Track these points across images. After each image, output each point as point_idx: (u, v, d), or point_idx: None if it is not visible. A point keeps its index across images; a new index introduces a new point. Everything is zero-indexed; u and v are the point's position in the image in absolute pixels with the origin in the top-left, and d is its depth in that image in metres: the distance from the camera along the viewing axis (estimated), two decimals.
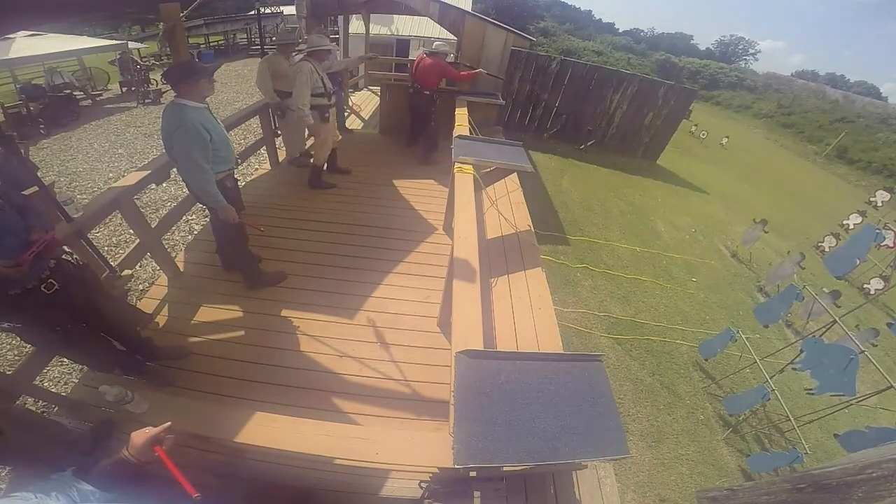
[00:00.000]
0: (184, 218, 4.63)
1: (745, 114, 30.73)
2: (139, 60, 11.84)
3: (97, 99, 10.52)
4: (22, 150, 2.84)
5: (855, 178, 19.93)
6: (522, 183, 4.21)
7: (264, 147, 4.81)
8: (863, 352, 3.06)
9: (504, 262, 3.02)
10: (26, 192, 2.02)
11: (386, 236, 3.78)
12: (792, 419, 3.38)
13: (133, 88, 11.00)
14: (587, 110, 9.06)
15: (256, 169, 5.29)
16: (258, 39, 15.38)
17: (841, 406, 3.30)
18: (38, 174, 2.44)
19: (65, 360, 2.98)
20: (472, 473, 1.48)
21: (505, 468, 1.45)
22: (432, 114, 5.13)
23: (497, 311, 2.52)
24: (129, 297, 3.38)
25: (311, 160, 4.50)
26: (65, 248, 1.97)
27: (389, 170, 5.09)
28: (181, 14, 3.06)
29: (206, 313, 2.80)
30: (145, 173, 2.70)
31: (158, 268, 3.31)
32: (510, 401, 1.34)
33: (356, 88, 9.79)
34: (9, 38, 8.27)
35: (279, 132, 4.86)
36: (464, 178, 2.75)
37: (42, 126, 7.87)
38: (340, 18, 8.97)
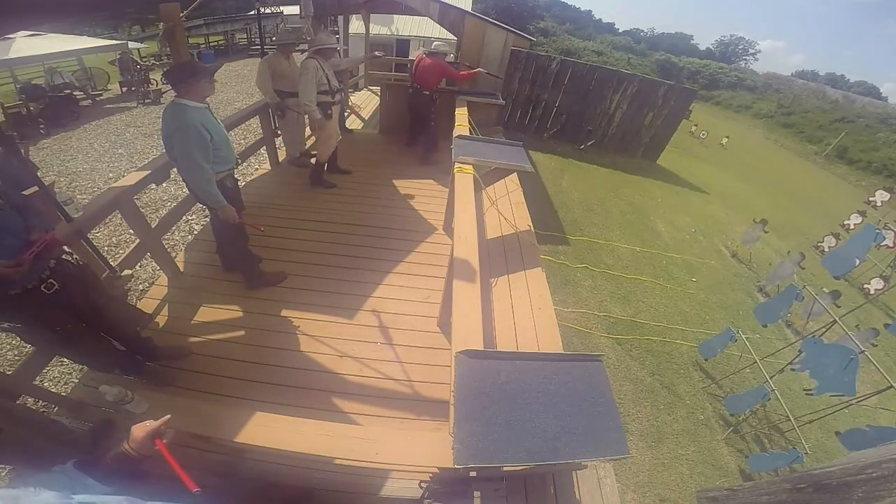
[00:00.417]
0: (184, 218, 4.63)
1: (745, 114, 30.74)
2: (139, 60, 11.84)
3: (97, 99, 10.53)
4: (22, 150, 2.84)
5: (855, 178, 19.94)
6: (522, 183, 4.21)
7: (264, 147, 4.81)
8: (863, 352, 3.06)
9: (504, 262, 3.02)
10: (26, 192, 2.03)
11: (386, 236, 3.78)
12: (792, 419, 3.38)
13: (133, 88, 11.01)
14: (587, 110, 9.05)
15: (256, 169, 5.29)
16: (258, 39, 15.39)
17: (841, 406, 3.30)
18: (38, 174, 2.44)
19: (65, 360, 2.98)
20: (472, 473, 1.48)
21: (505, 468, 1.45)
22: (432, 114, 5.13)
23: (497, 311, 2.52)
24: (129, 297, 3.38)
25: (313, 158, 4.52)
26: (65, 248, 1.97)
27: (389, 170, 5.09)
28: (181, 14, 3.06)
29: (206, 313, 2.80)
30: (145, 173, 2.70)
31: (158, 268, 3.31)
32: (510, 401, 1.34)
33: (356, 88, 9.79)
34: (9, 38, 8.27)
35: (279, 132, 4.86)
36: (464, 178, 2.75)
37: (42, 126, 7.87)
38: (340, 18, 8.97)
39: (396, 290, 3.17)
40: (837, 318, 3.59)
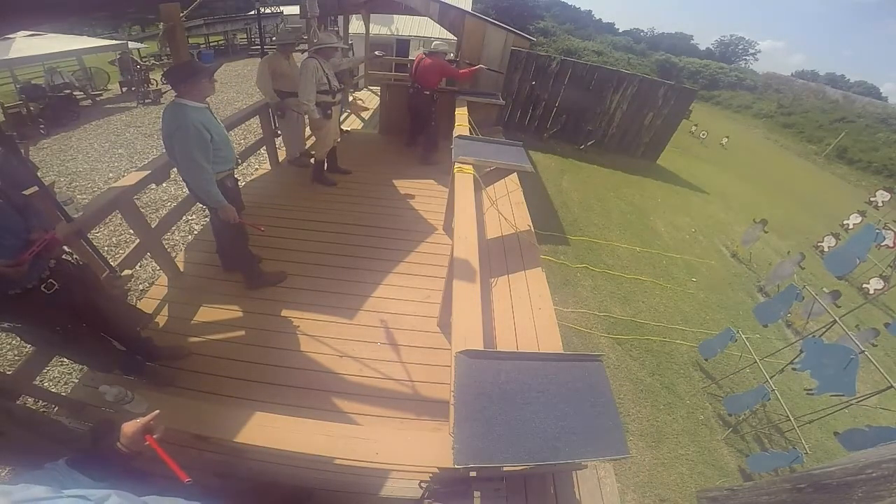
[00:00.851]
0: (184, 218, 4.63)
1: (745, 114, 30.73)
2: (139, 60, 11.84)
3: (97, 99, 10.52)
4: (22, 150, 2.84)
5: (855, 178, 19.93)
6: (522, 183, 4.21)
7: (264, 147, 4.81)
8: (863, 352, 3.06)
9: (504, 262, 3.02)
10: (26, 192, 2.02)
11: (386, 236, 3.78)
12: (792, 419, 3.38)
13: (133, 88, 11.01)
14: (587, 110, 9.05)
15: (256, 169, 5.29)
16: (258, 39, 15.40)
17: (841, 406, 3.29)
18: (38, 174, 2.44)
19: (65, 360, 2.98)
20: (472, 473, 1.48)
21: (505, 468, 1.45)
22: (432, 114, 5.13)
23: (497, 311, 2.52)
24: (129, 297, 3.38)
25: (313, 158, 4.53)
26: (65, 248, 1.97)
27: (389, 170, 5.09)
28: (181, 14, 3.07)
29: (206, 313, 2.80)
30: (145, 173, 2.71)
31: (158, 268, 3.31)
32: (510, 401, 1.34)
33: (356, 88, 9.79)
34: (9, 38, 8.27)
35: (279, 132, 4.86)
36: (464, 178, 2.75)
37: (42, 126, 7.87)
38: (340, 18, 8.97)
39: (396, 290, 3.17)
40: (837, 318, 3.59)
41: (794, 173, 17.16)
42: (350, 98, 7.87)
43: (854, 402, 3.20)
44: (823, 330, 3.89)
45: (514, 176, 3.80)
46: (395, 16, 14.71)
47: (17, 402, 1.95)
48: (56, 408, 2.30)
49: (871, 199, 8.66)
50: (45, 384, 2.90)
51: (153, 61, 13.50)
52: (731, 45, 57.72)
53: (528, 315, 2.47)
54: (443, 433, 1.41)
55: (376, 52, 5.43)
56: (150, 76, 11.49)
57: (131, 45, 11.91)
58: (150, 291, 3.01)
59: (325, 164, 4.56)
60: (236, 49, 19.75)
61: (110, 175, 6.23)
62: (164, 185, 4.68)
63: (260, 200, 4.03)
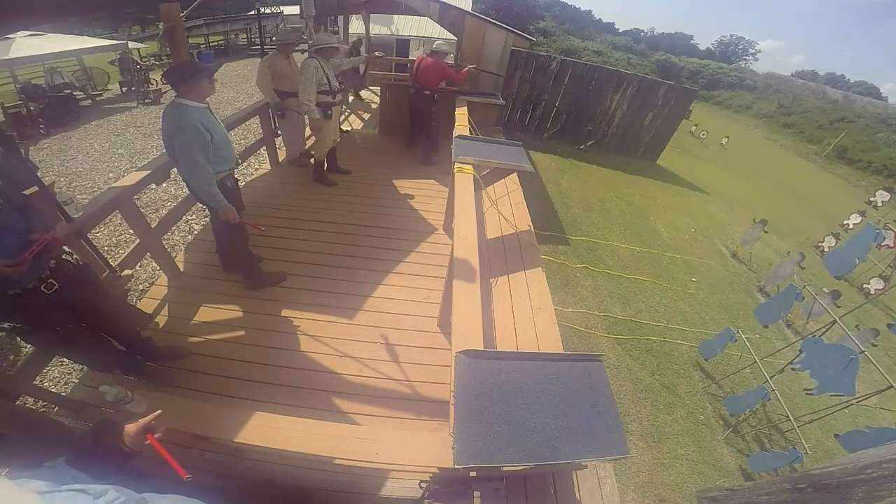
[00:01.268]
0: (184, 218, 4.63)
1: (745, 114, 30.74)
2: (139, 60, 11.85)
3: (97, 99, 10.53)
4: (22, 150, 2.84)
5: (855, 178, 19.93)
6: (522, 183, 4.21)
7: (264, 147, 4.81)
8: (863, 352, 3.06)
9: (504, 262, 3.02)
10: (26, 192, 2.02)
11: (386, 236, 3.78)
12: (792, 419, 3.38)
13: (133, 88, 11.01)
14: (587, 110, 9.05)
15: (256, 169, 5.29)
16: (258, 39, 15.39)
17: (841, 406, 3.30)
18: (38, 174, 2.44)
19: (65, 360, 2.98)
20: (472, 473, 1.48)
21: (505, 468, 1.45)
22: (433, 114, 5.14)
23: (497, 311, 2.52)
24: (129, 297, 3.38)
25: (313, 158, 4.53)
26: (65, 248, 1.97)
27: (389, 170, 5.09)
28: (181, 14, 3.06)
29: (206, 313, 2.80)
30: (145, 173, 2.70)
31: (158, 268, 3.31)
32: (510, 401, 1.34)
33: (356, 89, 9.78)
34: (9, 38, 8.27)
35: (279, 132, 4.86)
36: (464, 178, 2.75)
37: (42, 126, 7.87)
38: (340, 18, 8.97)
39: (396, 290, 3.17)
40: (837, 318, 3.59)
41: (794, 173, 17.16)
42: (350, 98, 7.87)
43: (854, 402, 3.20)
44: (823, 330, 3.90)
45: (514, 176, 3.80)
46: (395, 16, 14.70)
47: (17, 403, 1.95)
48: (56, 408, 2.29)
49: (871, 199, 8.67)
50: (45, 384, 2.90)
51: (153, 61, 13.50)
52: (731, 45, 57.75)
53: (528, 315, 2.47)
54: (443, 433, 1.41)
55: (376, 53, 5.43)
56: (150, 76, 11.49)
57: (131, 45, 11.91)
58: (150, 291, 3.01)
59: (325, 165, 4.56)
60: (236, 49, 19.75)
61: (110, 175, 6.24)
62: (164, 185, 4.68)
63: (260, 200, 4.03)
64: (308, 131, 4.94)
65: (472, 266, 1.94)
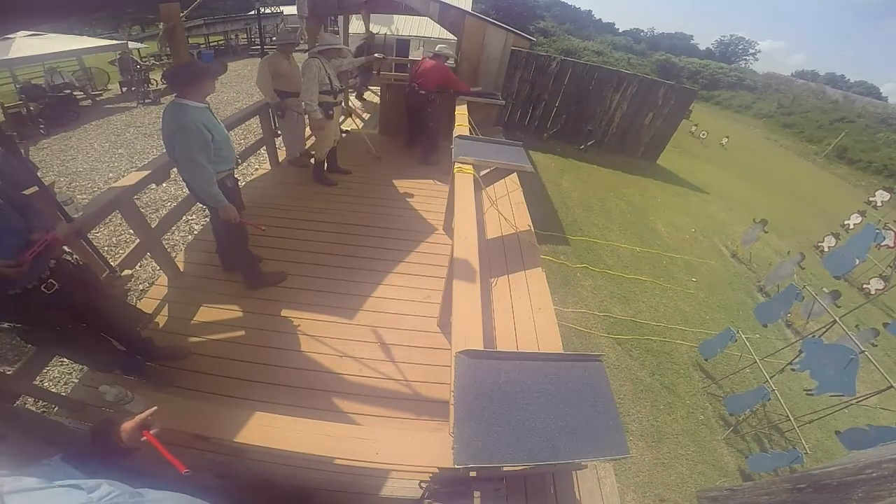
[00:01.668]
0: (184, 218, 4.63)
1: (746, 114, 30.74)
2: (139, 60, 11.84)
3: (97, 99, 10.52)
4: (22, 150, 2.84)
5: (855, 178, 19.93)
6: (522, 183, 4.21)
7: (264, 147, 4.81)
8: (863, 352, 3.06)
9: (504, 262, 3.02)
10: (26, 192, 2.02)
11: (386, 236, 3.78)
12: (792, 419, 3.38)
13: (133, 88, 11.01)
14: (587, 110, 9.05)
15: (256, 169, 5.29)
16: (258, 39, 15.40)
17: (841, 406, 3.30)
18: (38, 174, 2.44)
19: (65, 360, 2.98)
20: (472, 473, 1.48)
21: (505, 468, 1.45)
22: (430, 114, 5.14)
23: (497, 311, 2.52)
24: (129, 297, 3.38)
25: (313, 158, 4.53)
26: (65, 248, 1.96)
27: (389, 170, 5.09)
28: (181, 14, 3.06)
29: (206, 313, 2.80)
30: (145, 173, 2.70)
31: (158, 268, 3.31)
32: (510, 401, 1.34)
33: (356, 89, 9.78)
34: (9, 38, 8.27)
35: (279, 132, 4.86)
36: (464, 178, 2.75)
37: (42, 126, 7.86)
38: (340, 18, 8.96)
39: (396, 290, 3.17)
40: (837, 318, 3.59)
41: (794, 173, 17.16)
42: (350, 104, 7.86)
43: (854, 402, 3.20)
44: (823, 330, 3.90)
45: (514, 176, 3.80)
46: (395, 16, 14.70)
47: (17, 403, 1.95)
48: (56, 408, 2.29)
49: (871, 199, 8.67)
50: (45, 384, 2.90)
51: (153, 61, 13.49)
52: (731, 45, 57.78)
53: (528, 315, 2.47)
54: (443, 433, 1.41)
55: (377, 55, 5.43)
56: (150, 76, 11.49)
57: (131, 45, 11.91)
58: (150, 291, 3.01)
59: (325, 165, 4.56)
60: (236, 49, 19.75)
61: (110, 175, 6.23)
62: (164, 185, 4.68)
63: (260, 200, 4.03)
64: (308, 131, 4.95)
65: (472, 266, 1.94)
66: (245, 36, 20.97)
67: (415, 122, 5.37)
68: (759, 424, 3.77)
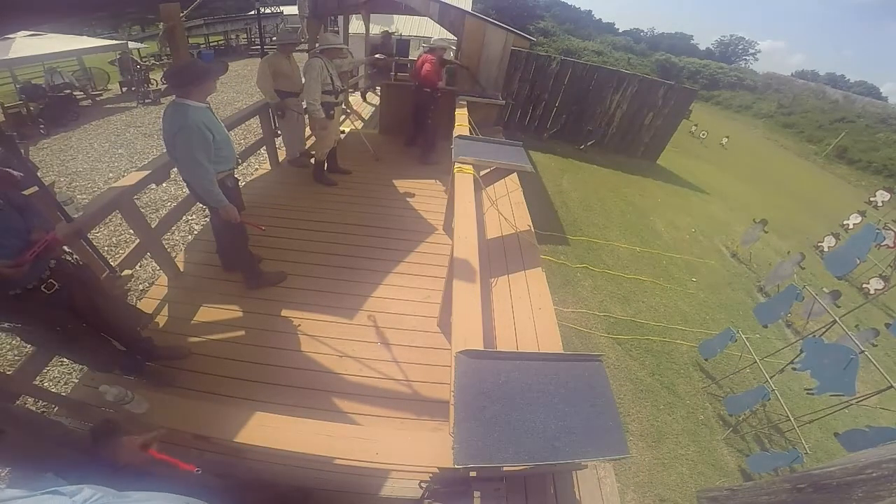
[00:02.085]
0: (184, 218, 4.63)
1: (745, 114, 30.73)
2: (139, 60, 11.84)
3: (97, 99, 10.52)
4: (22, 150, 2.83)
5: (855, 178, 19.91)
6: (522, 183, 4.21)
7: (264, 147, 4.81)
8: (863, 352, 3.06)
9: (504, 262, 3.02)
10: (26, 192, 2.02)
11: (386, 236, 3.78)
12: (792, 419, 3.38)
13: (133, 88, 11.00)
14: (587, 110, 9.06)
15: (256, 169, 5.29)
16: (258, 39, 15.40)
17: (841, 406, 3.29)
18: (38, 174, 2.44)
19: (65, 360, 2.98)
20: (472, 473, 1.48)
21: (505, 468, 1.45)
22: (431, 111, 5.15)
23: (497, 311, 2.52)
24: (129, 297, 3.38)
25: (313, 158, 4.53)
26: (65, 248, 1.96)
27: (389, 170, 5.10)
28: (181, 14, 3.06)
29: (206, 313, 2.80)
30: (145, 173, 2.70)
31: (158, 268, 3.31)
32: (510, 401, 1.34)
33: (356, 89, 9.78)
34: (9, 38, 8.27)
35: (279, 132, 4.86)
36: (464, 178, 2.75)
37: (42, 126, 7.87)
38: (340, 18, 8.96)
39: (396, 290, 3.17)
40: (837, 318, 3.59)
41: (794, 173, 17.15)
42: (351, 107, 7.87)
43: (854, 402, 3.20)
44: (823, 330, 3.90)
45: (514, 176, 3.80)
46: (395, 16, 14.69)
47: (17, 403, 1.95)
48: (56, 408, 2.30)
49: (871, 199, 8.67)
50: (45, 384, 2.90)
51: (153, 61, 13.49)
52: (731, 45, 57.84)
53: (528, 315, 2.47)
54: (443, 433, 1.41)
55: (377, 55, 5.44)
56: (150, 76, 11.49)
57: (131, 45, 11.90)
58: (150, 291, 3.01)
59: (326, 165, 4.56)
60: (236, 49, 19.75)
61: (110, 175, 6.23)
62: (164, 185, 4.68)
63: (260, 200, 4.03)
64: (308, 131, 4.95)
65: (472, 266, 1.94)
66: (245, 36, 20.98)
67: (418, 119, 5.40)
68: (759, 424, 3.77)
